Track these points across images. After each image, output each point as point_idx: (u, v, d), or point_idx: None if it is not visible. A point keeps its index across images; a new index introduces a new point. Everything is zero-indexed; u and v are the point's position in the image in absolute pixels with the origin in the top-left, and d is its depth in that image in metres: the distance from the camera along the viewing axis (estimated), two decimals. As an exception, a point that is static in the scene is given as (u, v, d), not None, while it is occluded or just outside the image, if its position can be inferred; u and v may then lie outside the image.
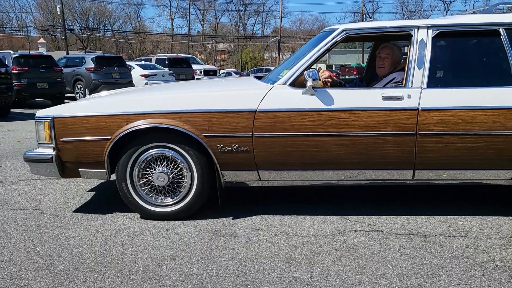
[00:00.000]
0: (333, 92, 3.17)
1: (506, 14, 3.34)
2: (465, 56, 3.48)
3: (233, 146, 3.15)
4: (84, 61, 15.18)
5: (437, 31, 3.24)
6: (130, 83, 15.03)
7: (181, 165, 3.24)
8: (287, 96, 3.17)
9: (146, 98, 3.40)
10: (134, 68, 16.88)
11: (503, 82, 3.16)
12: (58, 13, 35.84)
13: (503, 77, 3.17)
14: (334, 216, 3.38)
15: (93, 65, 14.69)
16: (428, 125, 3.09)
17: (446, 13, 57.80)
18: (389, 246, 2.83)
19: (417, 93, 3.13)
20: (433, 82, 3.19)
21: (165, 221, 3.28)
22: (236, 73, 33.10)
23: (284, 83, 3.23)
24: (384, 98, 3.12)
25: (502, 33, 3.20)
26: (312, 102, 3.14)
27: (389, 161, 3.19)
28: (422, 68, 3.19)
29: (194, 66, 22.55)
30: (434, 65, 3.25)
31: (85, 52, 28.84)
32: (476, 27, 3.28)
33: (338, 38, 3.30)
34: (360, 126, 3.10)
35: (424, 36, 3.24)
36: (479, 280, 2.39)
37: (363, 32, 3.37)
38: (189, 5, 46.20)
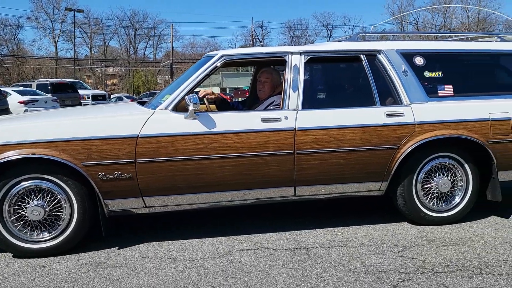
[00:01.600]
0: (215, 115, 3.26)
1: (366, 42, 3.73)
2: (334, 79, 3.81)
3: (115, 173, 3.06)
4: None
5: (309, 57, 3.50)
6: (6, 111, 13.80)
7: (59, 197, 3.07)
8: (169, 121, 3.18)
9: (18, 126, 3.17)
10: (10, 94, 15.57)
11: (367, 102, 3.50)
12: None
13: (366, 98, 3.52)
14: (222, 237, 3.42)
15: (-40, 92, 13.27)
16: (305, 144, 3.30)
17: (329, 38, 62.34)
18: (274, 262, 2.94)
19: (293, 115, 3.34)
20: (307, 104, 3.43)
21: (43, 258, 3.06)
22: (127, 97, 32.16)
23: (166, 108, 3.25)
24: (264, 120, 3.28)
25: (363, 59, 3.56)
26: (194, 126, 3.18)
27: (271, 180, 3.34)
28: (297, 91, 3.41)
29: (81, 91, 21.50)
30: (307, 88, 3.50)
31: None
32: (342, 54, 3.61)
33: (218, 63, 3.41)
34: (242, 147, 3.22)
35: (297, 62, 3.48)
36: (352, 285, 2.58)
37: (240, 57, 3.53)
38: (74, 28, 43.96)
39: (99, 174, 3.04)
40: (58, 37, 57.57)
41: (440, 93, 3.59)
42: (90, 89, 27.28)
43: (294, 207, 4.19)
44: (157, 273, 2.80)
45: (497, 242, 3.24)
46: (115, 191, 3.11)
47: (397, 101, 3.51)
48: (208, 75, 3.40)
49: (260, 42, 58.88)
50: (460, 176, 3.63)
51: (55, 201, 3.07)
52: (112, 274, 2.79)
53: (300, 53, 3.50)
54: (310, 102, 3.47)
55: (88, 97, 22.06)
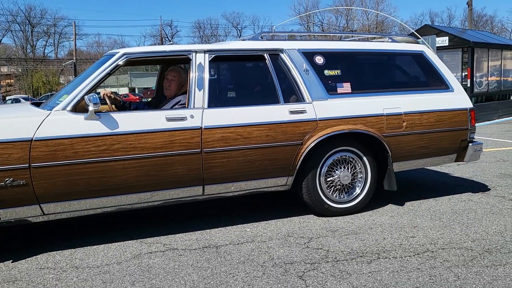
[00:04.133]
0: (117, 115, 3.14)
1: (269, 41, 3.82)
2: (240, 77, 3.86)
3: (7, 180, 2.83)
4: None
5: (213, 55, 3.51)
6: None
7: None
8: (68, 122, 3.01)
9: None
10: None
11: (271, 100, 3.58)
12: None
13: (271, 96, 3.60)
14: (130, 241, 3.31)
15: None
16: (212, 142, 3.30)
17: (239, 37, 62.74)
18: (183, 263, 2.91)
19: (199, 113, 3.32)
20: (213, 102, 3.43)
21: None
22: (26, 99, 29.94)
23: (64, 109, 3.06)
24: (169, 119, 3.22)
25: (267, 58, 3.65)
26: (95, 127, 3.04)
27: (179, 180, 3.29)
28: (202, 89, 3.40)
29: (-29, 93, 19.56)
30: (213, 87, 3.50)
31: None
32: (246, 52, 3.66)
33: (119, 62, 3.29)
34: (147, 148, 3.13)
35: (201, 60, 3.46)
36: (260, 279, 2.63)
37: (143, 56, 3.43)
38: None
39: (-13, 182, 2.79)
40: None
41: (339, 90, 3.78)
42: (-19, 90, 24.90)
43: (205, 206, 4.18)
44: (57, 284, 2.63)
45: (393, 228, 3.49)
46: (7, 199, 2.87)
47: (299, 99, 3.64)
48: (109, 74, 3.26)
49: (170, 41, 57.89)
50: (360, 168, 3.86)
51: None
52: (6, 289, 2.58)
53: (205, 51, 3.49)
54: (216, 100, 3.48)
55: (-21, 99, 20.13)
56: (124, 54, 3.31)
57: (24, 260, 3.00)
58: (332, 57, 3.88)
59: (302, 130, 3.54)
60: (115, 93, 3.27)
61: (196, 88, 3.38)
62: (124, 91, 44.89)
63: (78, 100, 3.11)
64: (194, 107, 3.34)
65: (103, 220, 3.82)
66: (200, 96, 3.37)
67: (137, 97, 33.06)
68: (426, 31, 11.92)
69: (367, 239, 3.25)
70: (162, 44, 49.94)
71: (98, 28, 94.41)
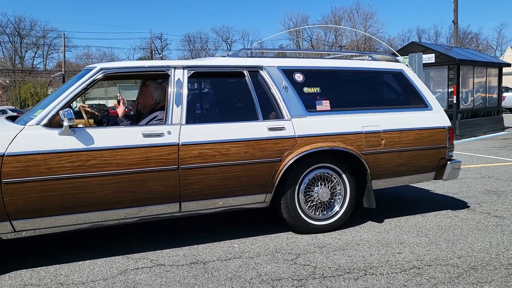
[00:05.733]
0: (93, 131, 3.11)
1: (249, 58, 3.83)
2: (219, 94, 3.85)
3: (-24, 196, 2.77)
4: None
5: (192, 71, 3.50)
6: None
7: None
8: (41, 138, 2.97)
9: None
10: None
11: (250, 117, 3.58)
12: None
13: (250, 113, 3.59)
14: (116, 257, 3.27)
15: None
16: (189, 159, 3.28)
17: (229, 51, 62.82)
18: (170, 279, 2.87)
19: (177, 129, 3.30)
20: (191, 118, 3.42)
21: None
22: (13, 110, 29.69)
23: (38, 124, 3.03)
24: (145, 135, 3.20)
25: (246, 75, 3.65)
26: (70, 142, 3.01)
27: (155, 197, 3.25)
28: (180, 105, 3.38)
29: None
30: (191, 103, 3.50)
31: None
32: (226, 69, 3.67)
33: (97, 77, 3.27)
34: (123, 164, 3.10)
35: (180, 76, 3.45)
36: (244, 296, 2.61)
37: (121, 71, 3.42)
38: None
39: (-44, 198, 2.73)
40: None
41: (318, 107, 3.79)
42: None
43: (193, 221, 4.12)
44: (32, 302, 2.57)
45: (380, 244, 3.47)
46: (-23, 216, 2.81)
47: (278, 116, 3.64)
48: (86, 89, 3.25)
49: (159, 54, 57.93)
50: (339, 185, 3.85)
51: None
52: (-25, 309, 2.51)
53: (184, 67, 3.49)
54: (194, 116, 3.47)
55: (-37, 110, 19.88)
56: (101, 69, 3.29)
57: (7, 275, 2.95)
58: (312, 75, 3.90)
59: (280, 147, 3.54)
60: (103, 105, 3.24)
61: (174, 104, 3.37)
62: (112, 103, 44.69)
63: (53, 115, 3.07)
64: (171, 123, 3.32)
65: (89, 236, 3.77)
66: (178, 112, 3.36)
67: (126, 109, 32.91)
68: (413, 48, 12.07)
69: (354, 255, 3.23)
70: (151, 56, 49.91)
71: (88, 40, 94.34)
